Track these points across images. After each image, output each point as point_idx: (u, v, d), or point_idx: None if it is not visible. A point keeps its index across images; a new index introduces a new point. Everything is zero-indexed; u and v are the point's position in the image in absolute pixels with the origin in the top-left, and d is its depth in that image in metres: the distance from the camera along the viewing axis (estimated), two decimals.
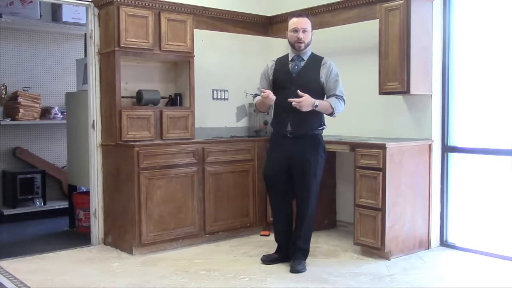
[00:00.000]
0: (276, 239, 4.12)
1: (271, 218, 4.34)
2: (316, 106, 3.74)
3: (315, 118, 3.87)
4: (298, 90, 3.71)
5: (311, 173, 3.87)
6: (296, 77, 3.88)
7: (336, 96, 3.90)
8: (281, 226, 4.06)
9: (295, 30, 3.86)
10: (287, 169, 3.92)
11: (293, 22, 3.88)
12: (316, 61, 3.94)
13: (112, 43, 4.42)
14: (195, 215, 4.58)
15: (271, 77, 3.99)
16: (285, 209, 4.04)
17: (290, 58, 3.95)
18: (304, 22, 3.87)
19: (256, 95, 4.07)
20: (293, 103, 3.69)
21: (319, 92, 3.90)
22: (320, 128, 3.95)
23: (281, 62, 4.00)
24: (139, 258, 4.21)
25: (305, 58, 3.93)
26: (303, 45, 3.87)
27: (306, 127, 3.85)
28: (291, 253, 3.97)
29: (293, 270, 3.84)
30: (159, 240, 4.40)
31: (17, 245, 4.76)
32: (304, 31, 3.85)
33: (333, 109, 3.86)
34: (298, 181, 3.91)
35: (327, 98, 3.92)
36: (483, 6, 4.24)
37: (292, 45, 3.91)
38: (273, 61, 4.05)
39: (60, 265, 4.08)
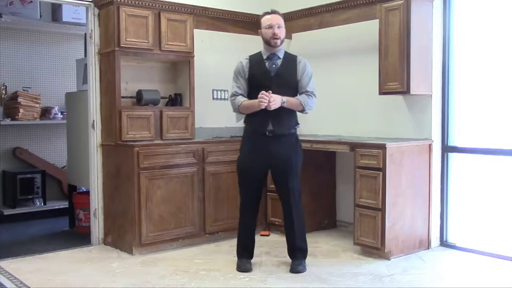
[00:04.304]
0: (244, 242, 3.95)
1: (239, 222, 4.02)
2: (284, 102, 3.73)
3: (293, 116, 3.88)
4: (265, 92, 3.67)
5: (294, 171, 3.86)
6: (275, 76, 3.83)
7: (307, 92, 3.87)
8: (250, 225, 3.96)
9: (270, 26, 3.80)
10: (266, 169, 3.88)
11: (267, 19, 3.84)
12: (291, 59, 3.91)
13: (112, 43, 4.42)
14: (195, 215, 4.58)
15: (247, 76, 3.87)
16: (256, 207, 3.97)
17: (265, 57, 3.88)
18: (278, 18, 3.85)
19: (234, 95, 3.87)
20: (265, 105, 3.65)
21: (297, 90, 3.89)
22: (296, 126, 3.94)
23: (256, 61, 3.88)
24: (139, 258, 4.21)
25: (281, 56, 3.89)
26: (279, 41, 3.82)
27: (286, 125, 3.84)
28: (290, 254, 3.96)
29: (294, 271, 3.83)
30: (159, 240, 4.40)
31: (17, 245, 4.75)
32: (279, 26, 3.82)
33: (303, 106, 3.84)
34: (282, 180, 3.87)
35: (299, 94, 3.89)
36: (483, 6, 4.24)
37: (268, 41, 3.83)
38: (247, 59, 3.91)
39: (60, 265, 4.08)
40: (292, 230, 3.91)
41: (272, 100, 3.65)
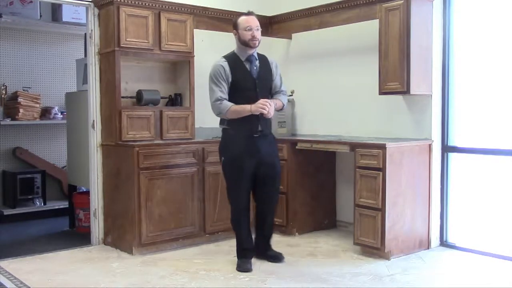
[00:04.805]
0: (247, 244, 3.97)
1: (236, 224, 4.00)
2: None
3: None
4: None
5: (279, 168, 4.07)
6: (257, 79, 3.87)
7: (282, 92, 4.04)
8: (247, 226, 4.00)
9: (249, 28, 3.82)
10: (255, 168, 3.90)
11: (245, 21, 3.85)
12: (265, 61, 3.98)
13: (112, 43, 4.42)
14: (195, 215, 4.58)
15: (230, 79, 3.82)
16: (249, 207, 4.02)
17: (243, 58, 3.88)
18: (256, 20, 3.88)
19: (219, 99, 3.80)
20: (266, 112, 3.76)
21: (271, 90, 4.01)
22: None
23: (234, 63, 3.86)
24: (139, 258, 4.21)
25: (256, 57, 3.94)
26: (257, 42, 3.85)
27: (270, 126, 4.00)
28: (265, 247, 4.07)
29: (280, 258, 4.03)
30: (159, 240, 4.40)
31: (17, 245, 4.76)
32: (257, 29, 3.86)
33: (283, 106, 4.04)
34: (270, 177, 3.96)
35: (274, 94, 4.00)
36: (483, 6, 4.24)
37: (246, 43, 3.84)
38: (225, 61, 3.86)
39: (60, 265, 4.08)
40: (267, 223, 4.07)
41: (271, 107, 3.76)
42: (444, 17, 4.40)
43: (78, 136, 5.16)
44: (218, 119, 5.21)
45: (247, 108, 3.75)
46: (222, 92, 3.82)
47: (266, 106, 3.73)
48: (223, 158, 3.93)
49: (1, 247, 4.66)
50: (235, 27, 3.88)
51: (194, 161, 4.57)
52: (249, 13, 3.92)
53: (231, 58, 3.89)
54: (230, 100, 3.84)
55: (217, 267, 3.98)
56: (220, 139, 4.08)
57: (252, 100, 3.80)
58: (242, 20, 3.86)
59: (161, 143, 4.49)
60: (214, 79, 3.84)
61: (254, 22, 3.85)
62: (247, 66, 3.88)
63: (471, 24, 4.32)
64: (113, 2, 4.35)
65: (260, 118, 3.83)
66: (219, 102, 3.82)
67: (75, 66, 5.63)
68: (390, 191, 4.08)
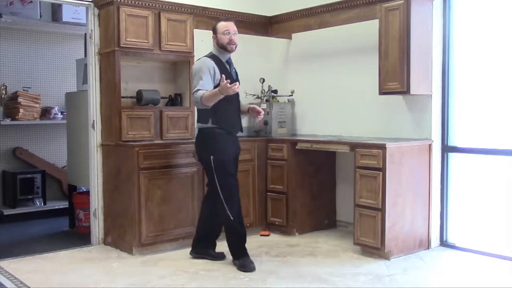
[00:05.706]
0: (245, 239, 4.03)
1: (238, 221, 4.01)
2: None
3: None
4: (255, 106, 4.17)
5: None
6: (236, 80, 3.99)
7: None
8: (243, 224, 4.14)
9: (227, 32, 3.94)
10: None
11: (224, 25, 3.97)
12: (232, 64, 4.11)
13: (112, 43, 4.42)
14: (195, 215, 4.57)
15: (219, 80, 3.83)
16: None
17: (224, 61, 4.00)
18: (234, 26, 4.01)
19: (198, 90, 3.83)
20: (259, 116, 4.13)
21: None
22: None
23: (218, 64, 3.95)
24: (139, 258, 4.21)
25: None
26: (234, 46, 3.98)
27: None
28: (214, 245, 4.20)
29: (222, 257, 4.16)
30: (159, 240, 4.40)
31: (17, 245, 4.76)
32: (235, 33, 3.98)
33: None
34: (236, 173, 4.18)
35: None
36: (483, 6, 4.24)
37: (224, 47, 3.96)
38: (212, 61, 3.93)
39: (60, 265, 4.08)
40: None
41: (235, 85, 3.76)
42: (444, 17, 4.41)
43: (78, 136, 5.16)
44: None
45: (216, 91, 3.74)
46: (202, 86, 3.84)
47: (235, 84, 3.69)
48: (212, 157, 3.92)
49: (1, 247, 4.66)
50: (214, 31, 4.01)
51: (194, 161, 4.56)
52: (227, 19, 4.10)
53: (215, 60, 3.97)
54: (216, 104, 3.87)
55: (217, 267, 3.98)
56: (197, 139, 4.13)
57: (234, 101, 3.98)
58: (220, 25, 3.99)
59: (161, 143, 4.49)
60: (201, 74, 3.88)
61: (232, 27, 3.99)
62: (228, 68, 4.02)
63: (471, 24, 4.32)
64: (113, 2, 4.35)
65: (240, 119, 4.12)
66: (195, 92, 3.86)
67: (75, 66, 5.63)
68: (390, 191, 4.08)
